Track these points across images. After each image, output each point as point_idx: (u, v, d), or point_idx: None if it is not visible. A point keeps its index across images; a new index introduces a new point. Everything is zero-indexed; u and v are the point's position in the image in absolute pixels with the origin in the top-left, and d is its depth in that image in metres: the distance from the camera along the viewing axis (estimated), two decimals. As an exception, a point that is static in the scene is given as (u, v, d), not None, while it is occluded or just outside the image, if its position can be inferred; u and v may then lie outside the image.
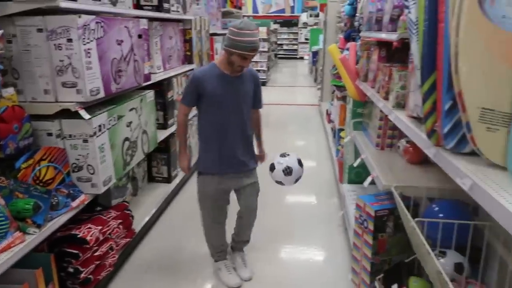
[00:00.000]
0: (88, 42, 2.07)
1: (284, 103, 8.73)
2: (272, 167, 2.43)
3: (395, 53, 2.30)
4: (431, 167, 2.13)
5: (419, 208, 2.02)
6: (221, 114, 2.32)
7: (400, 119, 1.68)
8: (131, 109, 2.66)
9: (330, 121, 5.55)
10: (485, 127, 1.03)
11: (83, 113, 2.10)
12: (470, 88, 1.02)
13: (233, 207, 2.56)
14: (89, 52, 2.10)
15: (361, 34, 2.99)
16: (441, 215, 1.70)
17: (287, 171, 2.37)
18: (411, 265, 1.92)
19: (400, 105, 1.84)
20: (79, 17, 1.99)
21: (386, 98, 2.07)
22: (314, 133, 6.33)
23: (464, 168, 1.05)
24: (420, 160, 2.19)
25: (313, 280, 2.58)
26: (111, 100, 2.52)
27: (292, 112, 8.02)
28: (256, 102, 2.49)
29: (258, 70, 10.36)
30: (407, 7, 1.34)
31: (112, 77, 2.37)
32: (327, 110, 6.13)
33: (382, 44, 2.36)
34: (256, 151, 2.60)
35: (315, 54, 11.39)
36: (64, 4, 1.91)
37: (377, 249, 2.07)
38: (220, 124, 2.34)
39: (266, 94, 9.59)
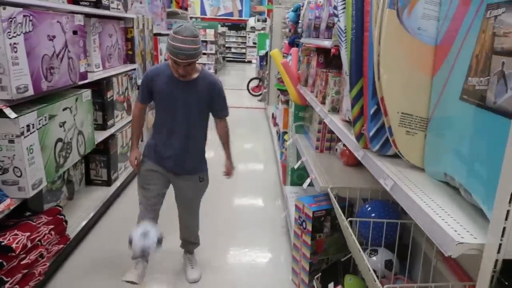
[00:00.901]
0: (14, 36, 1.94)
1: (232, 106, 8.72)
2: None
3: (333, 60, 2.39)
4: (365, 169, 2.22)
5: (354, 208, 2.11)
6: (167, 114, 2.32)
7: (335, 122, 1.74)
8: (64, 109, 2.53)
9: (275, 124, 5.64)
10: (404, 131, 1.09)
11: (8, 111, 1.96)
12: (390, 94, 1.08)
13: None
14: (15, 47, 1.96)
15: (302, 40, 3.07)
16: (373, 214, 1.78)
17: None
18: (347, 263, 1.99)
19: (335, 109, 1.91)
20: (4, 8, 1.86)
21: (323, 102, 2.14)
22: (261, 136, 6.40)
23: (387, 169, 1.11)
24: (356, 162, 2.29)
25: (256, 282, 2.60)
26: (43, 98, 2.38)
27: (240, 115, 8.05)
28: (216, 111, 2.43)
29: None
30: (336, 15, 1.39)
31: (43, 74, 2.24)
32: (272, 114, 6.23)
33: (321, 51, 2.44)
34: (224, 164, 2.60)
35: (262, 58, 11.52)
36: (-14, -5, 1.78)
37: (315, 249, 2.13)
38: (166, 123, 2.33)
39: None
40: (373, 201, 1.89)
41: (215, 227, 3.24)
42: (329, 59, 2.41)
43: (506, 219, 0.65)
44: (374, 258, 1.75)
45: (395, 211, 1.81)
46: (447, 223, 0.79)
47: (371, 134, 1.21)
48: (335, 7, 1.42)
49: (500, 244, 0.66)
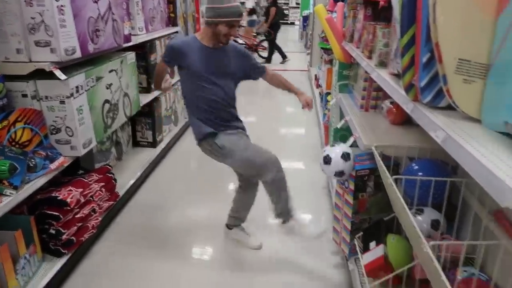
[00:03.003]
0: (60, -2, 1.97)
1: (275, 69, 8.60)
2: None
3: (381, 12, 2.24)
4: (413, 128, 2.13)
5: (400, 167, 2.04)
6: (209, 89, 2.23)
7: (382, 76, 1.65)
8: (110, 71, 2.59)
9: (318, 85, 5.50)
10: (461, 79, 1.00)
11: (58, 73, 2.04)
12: (447, 38, 0.99)
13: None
14: (62, 9, 2.00)
15: (348, -8, 2.90)
16: (420, 173, 1.71)
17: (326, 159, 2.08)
18: (390, 223, 1.95)
19: (383, 63, 1.80)
20: (49, -30, 1.88)
21: (369, 57, 2.04)
22: (303, 98, 6.29)
23: (439, 121, 1.04)
24: (403, 120, 2.19)
25: (298, 242, 2.62)
26: (90, 61, 2.45)
27: (282, 78, 7.94)
28: (255, 71, 2.46)
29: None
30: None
31: (89, 36, 2.28)
32: (315, 75, 6.07)
33: (368, 3, 2.29)
34: (300, 100, 2.55)
35: (305, 19, 11.16)
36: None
37: (358, 208, 2.10)
38: (207, 98, 2.25)
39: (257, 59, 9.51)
40: (420, 159, 1.81)
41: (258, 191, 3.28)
42: (377, 12, 2.27)
43: None
44: (420, 217, 1.69)
45: (444, 170, 1.72)
46: (504, 173, 0.72)
47: (422, 84, 1.12)
48: None
49: None
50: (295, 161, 3.97)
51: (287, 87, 2.57)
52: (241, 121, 2.44)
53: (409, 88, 1.23)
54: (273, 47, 9.49)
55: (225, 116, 2.30)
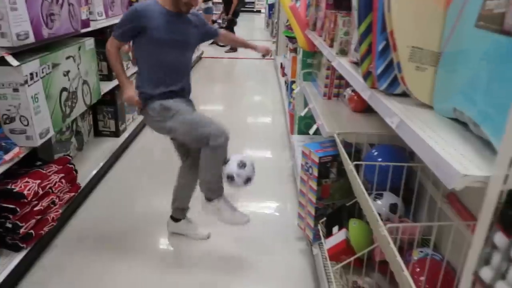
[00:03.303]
0: (9, -21, 1.86)
1: (241, 57, 8.56)
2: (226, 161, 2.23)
3: (343, 1, 2.27)
4: (373, 115, 2.18)
5: (361, 154, 2.09)
6: (168, 54, 2.18)
7: (342, 65, 1.68)
8: (68, 57, 2.48)
9: (284, 74, 5.52)
10: (414, 66, 1.04)
11: (10, 59, 1.93)
12: (401, 27, 1.02)
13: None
14: (12, -9, 1.90)
15: (311, -19, 2.91)
16: (379, 159, 1.77)
17: (241, 164, 2.21)
18: (352, 208, 2.01)
19: (344, 51, 1.83)
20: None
21: (331, 45, 2.06)
22: (270, 87, 6.30)
23: (394, 107, 1.08)
24: (364, 108, 2.24)
25: (263, 228, 2.65)
26: (45, 47, 2.34)
27: (248, 66, 7.90)
28: (211, 33, 2.48)
29: (214, 22, 10.01)
30: None
31: (43, 20, 2.18)
32: (281, 64, 6.09)
33: (330, -9, 2.31)
34: (258, 50, 2.62)
35: (271, 6, 11.12)
36: None
37: (321, 194, 2.15)
38: (169, 65, 2.19)
39: (222, 47, 9.42)
40: (380, 145, 1.87)
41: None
42: (339, 1, 2.30)
43: (515, 147, 0.62)
44: (379, 202, 1.75)
45: (402, 156, 1.79)
46: (452, 157, 0.76)
47: (379, 71, 1.15)
48: None
49: (507, 175, 0.64)
50: (262, 149, 3.99)
51: (240, 43, 2.68)
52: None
53: (367, 75, 1.26)
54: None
55: (180, 84, 2.26)
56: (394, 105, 1.10)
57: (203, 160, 2.14)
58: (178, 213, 2.52)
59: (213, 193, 2.21)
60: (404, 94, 1.13)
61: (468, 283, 0.72)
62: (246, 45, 2.64)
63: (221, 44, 9.49)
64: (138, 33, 2.13)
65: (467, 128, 0.90)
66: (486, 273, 0.66)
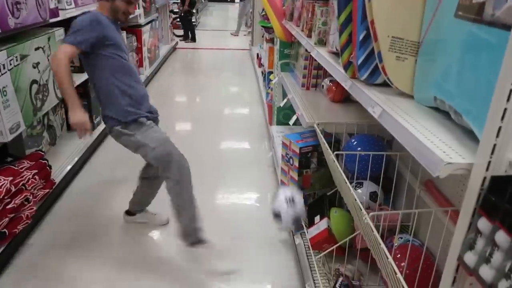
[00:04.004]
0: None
1: (216, 48, 8.48)
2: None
3: (320, -10, 2.27)
4: (352, 105, 2.21)
5: (341, 143, 2.11)
6: (125, 63, 2.08)
7: (321, 55, 1.68)
8: (37, 48, 2.38)
9: (260, 65, 5.51)
10: (394, 56, 1.05)
11: (-25, 51, 1.84)
12: (381, 16, 1.02)
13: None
14: (-25, -22, 1.80)
15: (287, -30, 2.90)
16: (359, 148, 1.79)
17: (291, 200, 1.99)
18: (333, 197, 2.04)
19: (322, 41, 1.84)
20: None
21: (309, 35, 2.06)
22: (247, 78, 6.27)
23: (375, 97, 1.08)
24: (342, 98, 2.26)
25: (245, 219, 2.65)
26: (12, 38, 2.23)
27: (224, 57, 7.83)
28: None
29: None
30: None
31: (9, 9, 2.07)
32: (257, 54, 6.06)
33: (307, -20, 2.30)
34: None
35: (246, -4, 10.99)
36: None
37: (302, 184, 2.16)
38: (129, 72, 2.08)
39: (197, 38, 9.28)
40: (359, 135, 1.89)
41: (202, 169, 3.25)
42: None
43: (497, 136, 0.63)
44: (360, 190, 1.78)
45: (380, 145, 1.82)
46: (435, 145, 0.77)
47: (359, 61, 1.16)
48: None
49: (489, 162, 0.65)
50: (241, 141, 3.97)
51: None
52: None
53: (347, 65, 1.26)
54: (191, 25, 9.27)
55: (144, 97, 2.14)
56: (375, 95, 1.10)
57: (173, 204, 2.09)
58: (136, 210, 2.52)
59: (190, 237, 2.12)
60: (385, 84, 1.14)
61: (452, 268, 0.74)
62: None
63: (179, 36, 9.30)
64: (100, 43, 1.95)
65: (447, 117, 0.92)
66: (470, 258, 0.68)
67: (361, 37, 1.13)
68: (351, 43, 1.21)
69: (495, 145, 0.64)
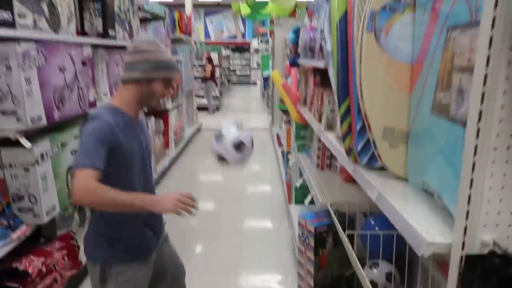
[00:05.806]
0: (28, 70, 2.07)
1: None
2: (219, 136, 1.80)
3: (329, 79, 2.49)
4: (364, 184, 2.29)
5: (355, 223, 2.16)
6: (132, 175, 1.61)
7: (329, 140, 1.82)
8: (75, 137, 2.65)
9: (280, 144, 5.72)
10: (387, 144, 1.17)
11: (23, 141, 2.08)
12: (373, 110, 1.17)
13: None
14: (29, 80, 2.10)
15: (299, 61, 3.19)
16: (376, 227, 1.83)
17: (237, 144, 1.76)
18: (351, 278, 2.03)
19: (331, 127, 1.99)
20: (19, 44, 1.99)
21: (320, 120, 2.23)
22: (267, 156, 6.48)
23: (373, 180, 1.19)
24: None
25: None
26: (54, 127, 2.50)
27: (246, 137, 8.16)
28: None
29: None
30: (323, 39, 1.49)
31: (55, 104, 2.37)
32: (277, 134, 6.32)
33: (317, 70, 2.54)
34: None
35: (266, 79, 11.72)
36: (2, 32, 1.91)
37: (319, 264, 2.17)
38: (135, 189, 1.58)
39: (220, 119, 9.79)
40: (377, 214, 1.94)
41: (223, 248, 3.29)
42: (326, 79, 2.51)
43: (466, 218, 0.72)
44: (375, 271, 1.78)
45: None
46: (421, 226, 0.86)
47: (359, 148, 1.29)
48: (322, 31, 1.52)
49: (464, 242, 0.73)
50: (261, 219, 4.03)
51: None
52: None
53: (349, 151, 1.39)
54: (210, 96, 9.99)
55: (156, 219, 1.77)
56: (373, 178, 1.21)
57: None
58: None
59: None
60: (384, 168, 1.25)
61: None
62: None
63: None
64: (109, 152, 1.48)
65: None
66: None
67: (358, 127, 1.27)
68: (351, 131, 1.36)
69: (466, 226, 0.73)
